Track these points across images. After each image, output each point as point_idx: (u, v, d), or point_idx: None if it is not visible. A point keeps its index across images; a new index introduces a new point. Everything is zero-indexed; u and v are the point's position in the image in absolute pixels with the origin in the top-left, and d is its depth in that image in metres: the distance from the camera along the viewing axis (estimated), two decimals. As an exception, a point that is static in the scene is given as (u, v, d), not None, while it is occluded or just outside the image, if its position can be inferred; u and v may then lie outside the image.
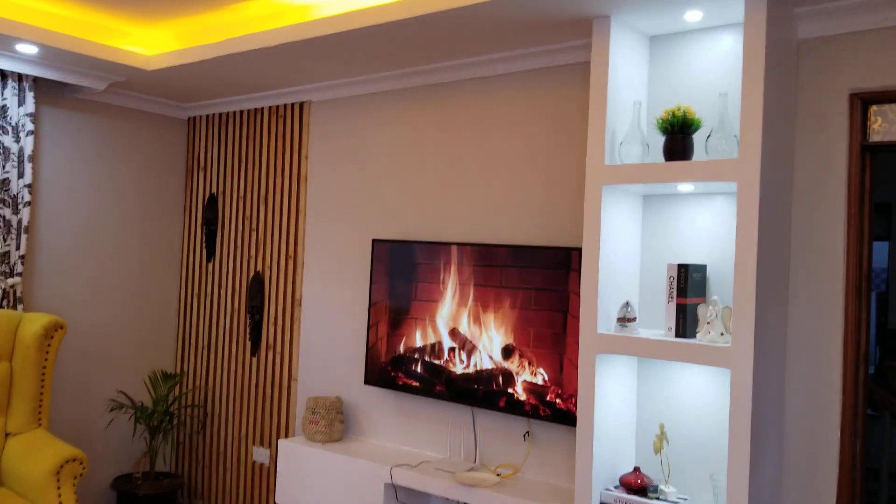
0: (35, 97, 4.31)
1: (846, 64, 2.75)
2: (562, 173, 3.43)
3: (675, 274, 2.76)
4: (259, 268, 4.65)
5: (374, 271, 3.95)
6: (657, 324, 3.02)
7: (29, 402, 3.88)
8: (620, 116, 2.95)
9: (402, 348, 3.81)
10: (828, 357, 2.75)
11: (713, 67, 2.94)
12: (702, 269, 2.84)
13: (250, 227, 4.72)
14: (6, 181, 4.15)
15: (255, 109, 4.72)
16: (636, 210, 3.08)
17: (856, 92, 2.74)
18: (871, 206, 2.76)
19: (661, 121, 2.79)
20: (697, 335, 2.70)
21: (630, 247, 3.05)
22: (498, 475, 3.38)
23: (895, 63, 2.67)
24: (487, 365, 3.50)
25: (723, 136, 2.68)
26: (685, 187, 2.85)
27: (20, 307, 4.21)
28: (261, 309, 4.61)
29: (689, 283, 2.74)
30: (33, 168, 4.36)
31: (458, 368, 3.59)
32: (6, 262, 4.15)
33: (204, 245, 4.99)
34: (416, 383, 3.74)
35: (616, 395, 2.98)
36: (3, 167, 4.14)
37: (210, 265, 4.96)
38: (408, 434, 3.89)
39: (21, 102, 4.21)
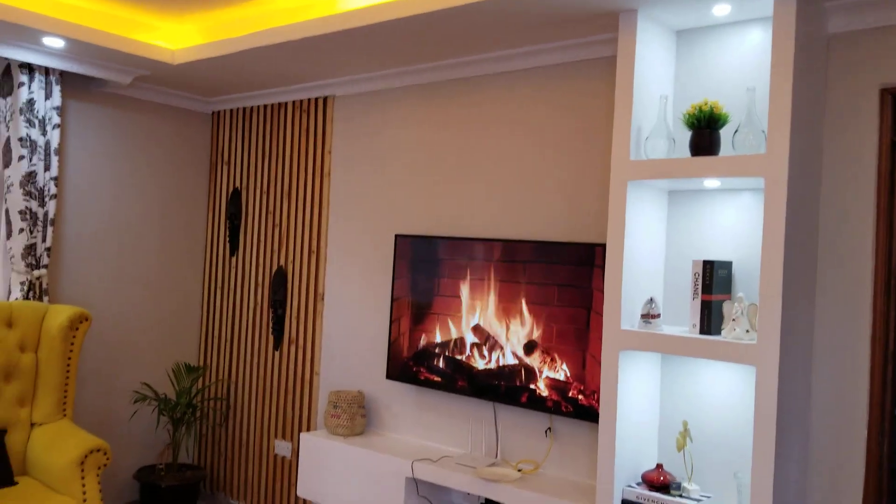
0: (62, 91, 4.35)
1: (876, 59, 2.71)
2: (586, 168, 3.41)
3: (700, 270, 2.74)
4: (282, 262, 4.66)
5: (397, 266, 3.95)
6: (681, 320, 2.99)
7: (54, 393, 3.92)
8: (646, 111, 2.92)
9: (424, 343, 3.81)
10: (855, 355, 2.71)
11: (741, 62, 2.91)
12: (727, 265, 2.81)
13: (273, 221, 4.73)
14: (33, 174, 4.19)
15: (279, 104, 4.73)
16: (661, 206, 3.06)
17: (886, 87, 2.70)
18: (900, 202, 2.73)
19: (687, 116, 2.76)
20: (722, 332, 2.68)
21: (655, 243, 3.03)
22: (519, 471, 3.37)
23: (927, 58, 2.64)
24: (510, 361, 3.48)
25: (750, 132, 2.65)
26: (711, 183, 2.82)
27: (46, 299, 4.25)
28: (284, 303, 4.63)
29: (714, 279, 2.72)
30: (59, 161, 4.40)
31: (480, 364, 3.59)
32: (32, 254, 4.19)
33: (227, 239, 5.02)
34: (437, 378, 3.74)
35: (639, 392, 2.96)
36: (30, 160, 4.17)
37: (233, 259, 4.98)
38: (429, 429, 3.89)
39: (48, 96, 4.25)
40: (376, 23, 3.29)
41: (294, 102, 4.65)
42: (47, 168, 4.26)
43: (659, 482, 2.83)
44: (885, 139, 2.70)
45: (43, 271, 4.23)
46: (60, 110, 4.32)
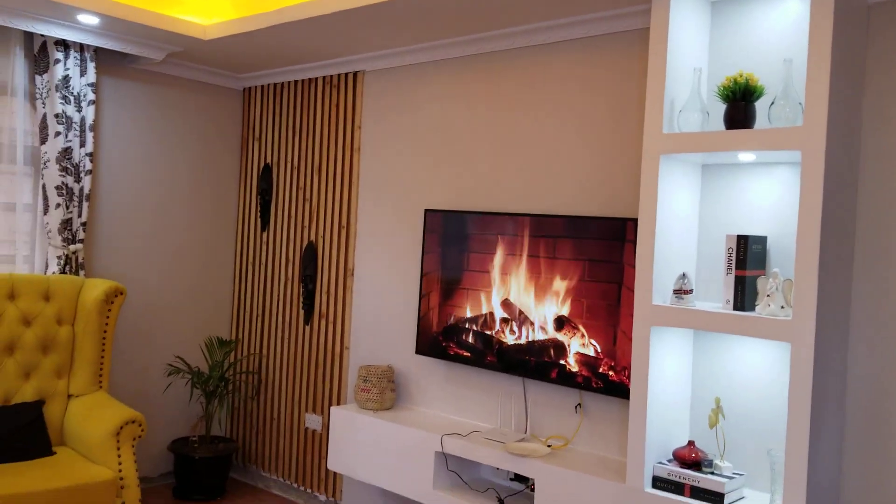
0: (96, 67, 4.36)
1: (920, 28, 2.62)
2: (618, 142, 3.35)
3: (734, 245, 2.68)
4: (312, 237, 4.66)
5: (426, 241, 3.93)
6: (714, 296, 2.94)
7: (90, 366, 3.97)
8: (679, 84, 2.86)
9: (453, 318, 3.79)
10: (893, 332, 2.65)
11: (777, 33, 2.83)
12: (762, 240, 2.75)
13: (304, 196, 4.73)
14: (69, 150, 4.21)
15: (309, 80, 4.71)
16: (694, 180, 3.00)
17: (929, 57, 2.61)
18: (942, 176, 2.64)
19: (722, 88, 2.70)
20: (756, 308, 2.63)
21: (687, 217, 2.98)
22: (549, 446, 3.36)
23: (973, 27, 2.54)
24: (539, 336, 3.46)
25: (787, 104, 2.58)
26: (746, 156, 2.76)
27: (82, 273, 4.29)
28: (314, 278, 4.63)
29: (748, 254, 2.66)
30: (94, 137, 4.42)
31: (510, 339, 3.56)
32: (69, 228, 4.23)
33: (259, 215, 5.03)
34: (467, 353, 3.72)
35: (671, 368, 2.92)
36: (66, 136, 4.20)
37: (264, 234, 5.00)
38: (458, 404, 3.88)
39: (83, 73, 4.27)
40: (406, -4, 3.25)
41: (324, 78, 4.62)
42: (83, 144, 4.29)
43: (690, 459, 2.79)
44: (927, 111, 2.61)
45: (79, 246, 4.27)
46: (95, 87, 4.34)
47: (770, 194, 2.85)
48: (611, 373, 3.21)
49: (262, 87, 5.05)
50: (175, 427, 4.91)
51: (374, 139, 4.37)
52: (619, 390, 3.17)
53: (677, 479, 2.76)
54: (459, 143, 3.95)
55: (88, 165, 4.30)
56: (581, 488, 3.03)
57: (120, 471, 3.55)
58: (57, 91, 4.16)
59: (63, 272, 4.22)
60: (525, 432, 3.58)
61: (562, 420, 3.47)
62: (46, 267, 4.24)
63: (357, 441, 3.89)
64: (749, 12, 2.90)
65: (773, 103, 2.61)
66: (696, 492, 2.71)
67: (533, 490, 3.24)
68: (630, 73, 3.32)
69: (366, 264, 4.38)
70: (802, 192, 2.47)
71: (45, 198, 4.18)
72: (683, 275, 2.81)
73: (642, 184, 2.84)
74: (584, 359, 3.30)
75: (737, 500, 2.73)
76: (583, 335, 3.31)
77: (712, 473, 2.74)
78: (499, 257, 3.62)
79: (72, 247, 4.24)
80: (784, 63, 2.62)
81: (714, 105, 2.85)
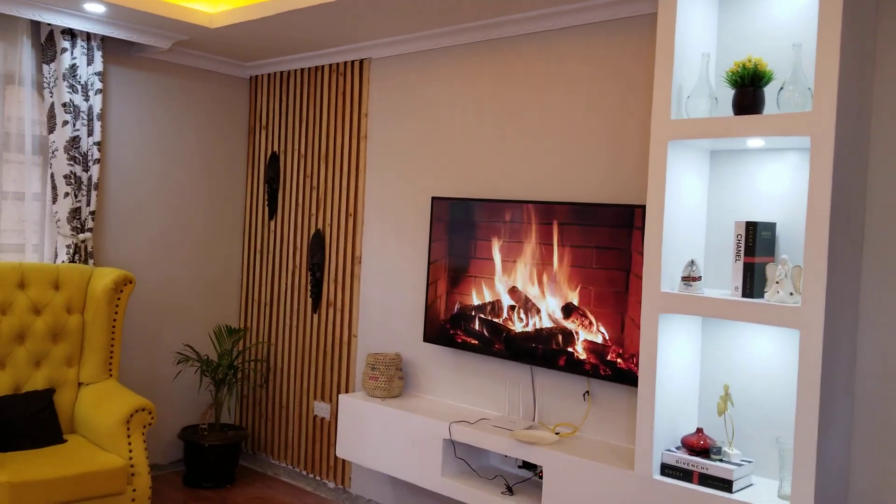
0: (103, 56, 4.36)
1: (931, 11, 2.59)
2: (625, 129, 3.33)
3: (742, 232, 2.67)
4: (320, 225, 4.66)
5: (434, 229, 3.92)
6: (723, 283, 2.93)
7: (100, 353, 3.98)
8: (688, 69, 2.84)
9: (460, 306, 3.79)
10: (903, 319, 2.63)
11: (786, 17, 2.80)
12: (771, 227, 2.74)
13: (311, 185, 4.73)
14: (76, 139, 4.22)
15: (316, 67, 4.70)
16: (703, 166, 2.98)
17: (941, 41, 2.58)
18: (954, 162, 2.62)
19: (730, 73, 2.68)
20: (765, 295, 2.61)
21: (696, 204, 2.96)
22: (557, 434, 3.35)
23: None
24: (547, 324, 3.45)
25: (796, 89, 2.56)
26: (755, 142, 2.74)
27: (91, 262, 4.30)
28: (321, 266, 4.63)
29: (757, 241, 2.65)
30: (102, 126, 4.42)
31: (518, 327, 3.56)
32: (77, 217, 4.23)
33: (266, 203, 5.03)
34: (474, 341, 3.72)
35: (679, 356, 2.91)
36: (74, 125, 4.20)
37: (272, 223, 4.99)
38: (466, 391, 3.88)
39: (90, 61, 4.27)
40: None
41: (331, 66, 4.61)
42: (90, 133, 4.29)
43: (699, 446, 2.79)
44: (938, 96, 2.58)
45: (88, 235, 4.28)
46: (102, 76, 4.34)
47: (779, 180, 2.82)
48: (619, 360, 3.20)
49: (269, 75, 5.04)
50: (185, 415, 4.93)
51: (380, 127, 4.36)
52: (627, 378, 3.17)
53: (686, 467, 2.76)
54: (467, 131, 3.94)
55: (96, 154, 4.30)
56: (589, 476, 3.03)
57: (130, 458, 3.57)
58: (64, 80, 4.16)
59: (72, 261, 4.23)
60: (533, 420, 3.57)
61: (570, 408, 3.47)
62: (56, 256, 4.25)
63: (365, 429, 3.89)
64: (758, -3, 2.87)
65: (781, 88, 2.58)
66: (704, 479, 2.71)
67: (541, 477, 3.24)
68: (638, 59, 3.30)
69: (373, 252, 4.38)
70: (812, 178, 2.45)
71: (54, 187, 4.18)
72: (692, 262, 2.79)
73: (650, 170, 2.82)
74: (592, 346, 3.29)
75: (745, 488, 2.72)
76: (591, 322, 3.30)
77: (721, 461, 2.73)
78: (506, 245, 3.61)
79: (81, 236, 4.24)
80: (793, 48, 2.59)
81: (722, 91, 2.82)
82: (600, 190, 3.40)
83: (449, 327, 3.84)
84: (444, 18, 3.76)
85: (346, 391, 4.48)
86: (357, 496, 4.41)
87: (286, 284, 4.88)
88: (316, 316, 4.68)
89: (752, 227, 2.66)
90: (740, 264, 2.67)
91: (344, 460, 4.46)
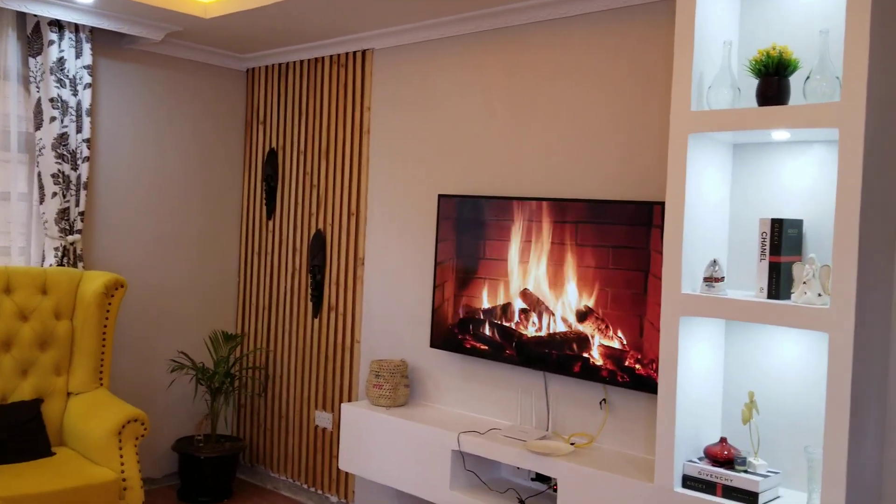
0: (92, 49, 4.38)
1: (967, -5, 2.58)
2: (643, 121, 3.33)
3: (767, 230, 2.66)
4: (320, 225, 4.67)
5: (441, 228, 3.92)
6: (747, 284, 2.92)
7: (90, 362, 4.00)
8: (709, 58, 2.83)
9: (469, 310, 3.79)
10: (938, 321, 2.62)
11: (812, 2, 2.80)
12: (797, 224, 2.73)
13: (311, 182, 4.74)
14: (64, 136, 4.23)
15: (316, 59, 4.71)
16: (725, 160, 2.98)
17: (977, 26, 2.57)
18: None
19: (753, 62, 2.68)
20: (792, 296, 2.61)
21: (718, 200, 2.96)
22: (572, 444, 3.35)
23: None
24: (561, 328, 3.45)
25: (823, 78, 2.56)
26: (780, 135, 2.73)
27: (80, 265, 4.32)
28: (322, 268, 4.64)
29: (783, 239, 2.64)
30: (91, 122, 4.44)
31: (530, 331, 3.56)
32: (66, 218, 4.25)
33: (264, 202, 5.04)
34: (484, 347, 3.72)
35: (701, 361, 2.91)
36: (62, 121, 4.22)
37: (270, 223, 5.01)
38: (476, 400, 3.88)
39: (78, 54, 4.29)
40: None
41: (332, 57, 4.62)
42: (79, 129, 4.31)
43: (723, 457, 2.78)
44: (975, 84, 2.57)
45: (77, 237, 4.29)
46: (91, 69, 4.36)
47: (806, 175, 2.82)
48: (637, 366, 3.19)
49: (267, 67, 5.05)
50: (179, 426, 4.95)
51: (384, 121, 4.37)
52: (646, 385, 3.16)
53: (709, 478, 2.75)
54: (475, 125, 3.94)
55: (86, 152, 4.32)
56: (607, 488, 3.03)
57: (122, 472, 3.58)
58: (51, 74, 4.18)
59: (61, 264, 4.24)
60: (547, 430, 3.57)
61: (586, 416, 3.47)
62: (43, 259, 4.27)
63: (369, 439, 3.90)
64: (783, -19, 2.87)
65: (808, 78, 2.58)
66: (728, 491, 2.71)
67: (556, 491, 3.24)
68: (655, 46, 3.29)
69: (377, 253, 4.38)
70: (840, 172, 2.44)
71: (41, 186, 4.20)
72: (714, 261, 2.79)
73: (670, 165, 2.82)
74: (608, 351, 3.29)
75: (772, 500, 2.72)
76: (607, 326, 3.30)
77: (746, 472, 2.73)
78: (517, 245, 3.61)
79: (69, 238, 4.26)
80: (820, 34, 2.59)
81: (745, 80, 2.82)
82: (617, 186, 3.40)
83: (457, 332, 3.84)
84: (449, 6, 3.76)
85: (349, 400, 4.48)
86: (361, 511, 4.42)
87: (285, 287, 4.89)
88: (317, 320, 4.69)
89: (777, 225, 2.65)
90: (765, 264, 2.66)
91: (347, 473, 4.47)
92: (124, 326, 4.65)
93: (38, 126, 4.19)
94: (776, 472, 2.76)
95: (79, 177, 4.31)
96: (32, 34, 4.16)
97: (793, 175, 2.85)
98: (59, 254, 4.24)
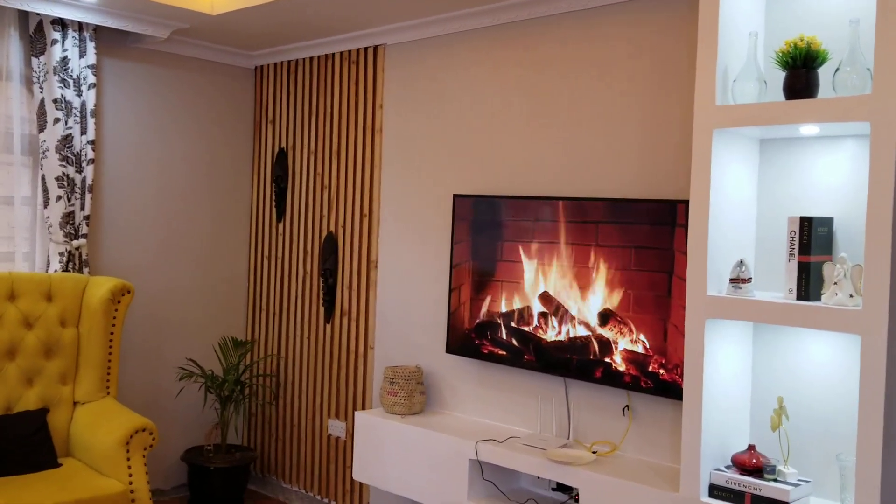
0: (96, 48, 4.41)
1: None
2: (665, 117, 3.33)
3: (796, 228, 2.66)
4: (332, 228, 4.69)
5: (456, 230, 3.93)
6: (776, 285, 2.91)
7: (97, 370, 4.03)
8: (733, 50, 2.83)
9: (486, 314, 3.80)
10: (977, 322, 2.60)
11: (843, -9, 2.79)
12: (828, 222, 2.72)
13: (322, 183, 4.76)
14: (69, 137, 4.27)
15: (326, 56, 4.73)
16: (752, 156, 2.97)
17: None
18: None
19: (780, 54, 2.67)
20: (822, 297, 2.60)
21: (744, 198, 2.95)
22: (594, 453, 3.35)
23: None
24: (582, 332, 3.45)
25: (853, 70, 2.55)
26: (809, 129, 2.72)
27: (86, 270, 4.36)
28: (334, 272, 4.66)
29: (812, 238, 2.63)
30: (96, 123, 4.47)
31: (550, 336, 3.56)
32: (71, 223, 4.29)
33: (274, 204, 5.07)
34: (502, 352, 3.73)
35: (728, 365, 2.90)
36: (66, 123, 4.26)
37: (280, 225, 5.03)
38: (494, 407, 3.88)
39: (82, 54, 4.33)
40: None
41: (342, 53, 4.64)
42: (84, 131, 4.35)
43: (751, 465, 2.78)
44: None
45: (82, 241, 4.33)
46: (95, 69, 4.40)
47: (836, 171, 2.81)
48: (662, 371, 3.19)
49: (276, 64, 5.08)
50: (188, 435, 4.98)
51: (397, 119, 4.38)
52: (671, 390, 3.16)
53: (737, 488, 2.75)
54: (491, 122, 3.95)
55: (90, 154, 4.36)
56: (630, 498, 3.02)
57: (130, 483, 3.61)
58: (55, 74, 4.22)
59: (66, 270, 4.28)
60: (568, 438, 3.57)
61: (608, 424, 3.47)
62: (48, 265, 4.31)
63: (384, 449, 3.91)
64: (810, -31, 2.86)
65: (837, 70, 2.57)
66: (757, 501, 2.70)
67: (577, 501, 3.24)
68: (677, 38, 3.29)
69: (391, 256, 4.40)
70: (872, 168, 2.44)
71: (45, 190, 4.24)
72: (741, 262, 2.78)
73: (694, 162, 2.82)
74: (631, 356, 3.29)
75: (803, 510, 2.71)
76: (630, 330, 3.30)
77: (775, 480, 2.72)
78: (536, 246, 3.61)
79: (75, 242, 4.30)
80: (850, 24, 2.58)
81: (772, 73, 2.81)
82: (639, 184, 3.40)
83: (474, 337, 3.85)
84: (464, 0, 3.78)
85: (363, 408, 4.50)
86: (376, 523, 4.43)
87: (296, 292, 4.92)
88: (329, 326, 4.71)
89: (807, 223, 2.64)
90: (794, 264, 2.66)
91: (361, 483, 4.49)
92: (131, 333, 4.68)
93: (41, 128, 4.23)
94: (807, 481, 2.75)
95: (84, 180, 4.35)
96: (35, 33, 4.21)
97: (822, 171, 2.84)
98: (64, 259, 4.28)
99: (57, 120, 4.23)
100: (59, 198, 4.25)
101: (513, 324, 3.70)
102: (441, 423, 3.86)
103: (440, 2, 3.83)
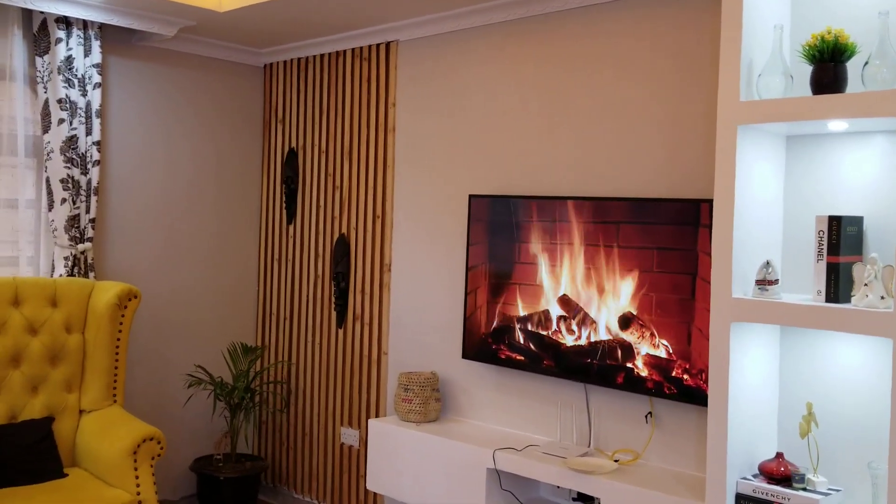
0: (101, 46, 4.44)
1: None
2: (687, 113, 3.32)
3: (825, 228, 2.65)
4: (344, 230, 4.71)
5: (472, 231, 3.94)
6: (803, 287, 2.91)
7: (103, 377, 4.06)
8: (758, 44, 2.83)
9: (504, 318, 3.80)
10: None
11: (872, -19, 2.78)
12: (857, 221, 2.71)
13: (333, 184, 4.78)
14: (74, 139, 4.31)
15: (337, 52, 4.75)
16: (778, 153, 2.96)
17: None
18: None
19: (807, 47, 2.67)
20: (852, 299, 2.59)
21: (770, 197, 2.95)
22: (616, 461, 3.35)
23: None
24: (603, 336, 3.45)
25: (883, 64, 2.54)
26: (837, 125, 2.72)
27: (92, 275, 4.39)
28: (346, 275, 4.67)
29: (842, 238, 2.62)
30: (102, 124, 4.50)
31: (569, 340, 3.56)
32: (76, 226, 4.32)
33: (284, 205, 5.09)
34: (520, 357, 3.73)
35: (754, 370, 2.90)
36: (71, 123, 4.29)
37: (291, 227, 5.05)
38: (512, 414, 3.89)
39: (87, 52, 4.36)
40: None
41: (354, 50, 4.66)
42: (89, 132, 4.38)
43: (779, 473, 2.77)
44: None
45: (88, 245, 4.36)
46: (101, 68, 4.43)
47: (866, 168, 2.80)
48: (685, 377, 3.19)
49: (285, 62, 5.11)
50: (197, 444, 5.00)
51: (410, 118, 4.39)
52: (695, 396, 3.16)
53: (764, 497, 2.74)
54: (507, 120, 3.95)
55: (96, 155, 4.39)
56: (653, 508, 3.03)
57: (138, 493, 3.63)
58: (59, 74, 4.25)
59: (71, 274, 4.31)
60: (588, 446, 3.58)
61: (630, 431, 3.46)
62: (53, 269, 4.34)
63: (399, 457, 3.92)
64: (838, -41, 2.86)
65: (866, 63, 2.56)
66: (785, 511, 2.70)
67: (598, 511, 3.25)
68: (700, 33, 3.29)
69: (404, 258, 4.41)
70: (904, 165, 2.43)
71: (50, 192, 4.27)
72: (767, 263, 2.78)
73: (718, 159, 2.82)
74: (654, 361, 3.28)
75: (834, 520, 2.71)
76: (652, 334, 3.30)
77: (804, 489, 2.71)
78: (554, 247, 3.61)
79: (80, 246, 4.33)
80: (879, 16, 2.57)
81: (798, 67, 2.80)
82: (661, 183, 3.40)
83: (491, 342, 3.85)
84: (479, -7, 3.79)
85: (377, 415, 4.51)
86: (391, 534, 4.44)
87: (307, 296, 4.94)
88: (341, 331, 4.72)
89: (835, 223, 2.63)
90: (823, 265, 2.65)
91: (375, 493, 4.50)
92: (138, 339, 4.71)
93: (45, 129, 4.26)
94: (837, 490, 2.74)
95: (89, 181, 4.38)
96: (39, 32, 4.24)
97: (851, 168, 2.83)
98: (70, 263, 4.31)
99: (62, 121, 4.26)
100: (63, 200, 4.28)
101: (531, 328, 3.70)
102: (457, 431, 3.87)
103: (454, -4, 3.85)
